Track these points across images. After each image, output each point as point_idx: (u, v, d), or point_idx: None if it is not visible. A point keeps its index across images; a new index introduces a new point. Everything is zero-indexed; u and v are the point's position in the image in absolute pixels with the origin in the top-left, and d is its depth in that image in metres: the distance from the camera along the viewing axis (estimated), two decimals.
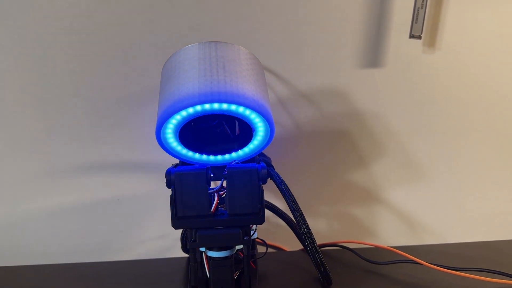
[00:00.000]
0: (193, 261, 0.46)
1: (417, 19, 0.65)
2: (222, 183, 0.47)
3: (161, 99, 0.46)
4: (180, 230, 0.69)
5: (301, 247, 0.65)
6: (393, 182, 0.71)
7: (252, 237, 0.52)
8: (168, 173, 0.45)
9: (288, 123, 0.69)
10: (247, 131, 0.48)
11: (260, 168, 0.46)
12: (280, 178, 0.48)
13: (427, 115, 0.70)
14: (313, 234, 0.49)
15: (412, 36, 0.66)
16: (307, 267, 0.59)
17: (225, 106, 0.43)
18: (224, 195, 0.47)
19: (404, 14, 0.66)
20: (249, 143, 0.49)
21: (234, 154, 0.50)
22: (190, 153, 0.49)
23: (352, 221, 0.72)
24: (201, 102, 0.42)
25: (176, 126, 0.46)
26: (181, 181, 0.45)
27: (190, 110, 0.43)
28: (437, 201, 0.72)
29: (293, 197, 0.47)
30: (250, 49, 0.65)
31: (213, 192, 0.47)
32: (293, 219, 0.49)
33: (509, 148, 0.71)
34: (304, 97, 0.68)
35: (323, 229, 0.72)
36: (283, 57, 0.67)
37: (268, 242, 0.66)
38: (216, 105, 0.43)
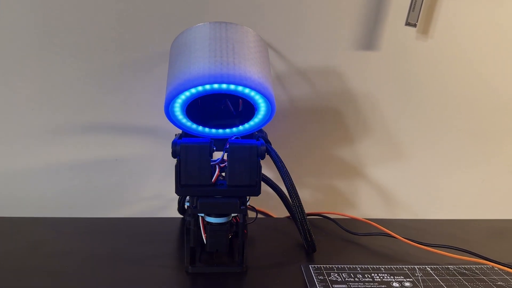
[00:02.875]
0: (193, 225, 0.51)
1: (414, 7, 0.68)
2: (223, 156, 0.51)
3: (171, 75, 0.49)
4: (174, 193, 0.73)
5: (287, 214, 0.70)
6: (375, 159, 0.76)
7: None
8: (174, 144, 0.49)
9: (282, 98, 0.72)
10: (249, 108, 0.52)
11: (260, 145, 0.49)
12: (277, 154, 0.52)
13: (413, 99, 0.74)
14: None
15: (408, 23, 0.69)
16: (292, 233, 0.64)
17: (232, 87, 0.46)
18: (224, 167, 0.50)
19: (401, 1, 0.69)
20: (250, 120, 0.52)
21: (235, 129, 0.54)
22: (194, 126, 0.53)
23: (334, 193, 0.77)
24: (211, 82, 0.45)
25: (184, 102, 0.49)
26: (186, 153, 0.48)
27: (200, 88, 0.46)
28: (413, 180, 0.77)
29: (288, 173, 0.52)
30: (251, 24, 0.68)
31: (215, 164, 0.50)
32: (285, 191, 0.54)
33: (482, 136, 0.77)
34: (300, 73, 0.71)
35: (307, 198, 0.77)
36: (283, 33, 0.69)
37: (257, 208, 0.71)
38: (224, 86, 0.46)
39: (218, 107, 0.53)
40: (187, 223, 0.63)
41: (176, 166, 0.49)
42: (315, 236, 0.61)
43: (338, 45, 0.71)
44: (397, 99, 0.74)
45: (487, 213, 0.77)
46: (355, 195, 0.77)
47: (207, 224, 0.51)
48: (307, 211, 0.69)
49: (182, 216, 0.70)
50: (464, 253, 0.56)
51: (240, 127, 0.53)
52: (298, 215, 0.53)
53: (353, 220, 0.69)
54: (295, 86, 0.72)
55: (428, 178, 0.78)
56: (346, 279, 0.50)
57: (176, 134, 0.56)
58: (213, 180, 0.50)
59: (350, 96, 0.73)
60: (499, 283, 0.50)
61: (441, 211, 0.78)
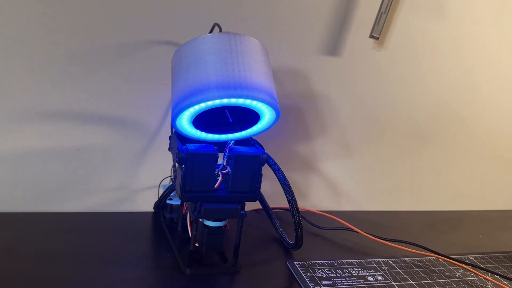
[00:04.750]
0: (195, 229, 0.52)
1: (378, 22, 0.74)
2: (224, 162, 0.53)
3: (184, 85, 0.48)
4: (137, 185, 0.73)
5: (253, 207, 0.75)
6: (328, 155, 0.83)
7: None
8: (182, 151, 0.49)
9: None
10: (250, 115, 0.53)
11: (261, 154, 0.52)
12: (274, 162, 0.55)
13: (364, 103, 0.82)
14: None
15: (372, 36, 0.75)
16: (263, 227, 0.69)
17: (248, 101, 0.48)
18: (226, 174, 0.52)
19: (366, 14, 0.75)
20: (253, 126, 0.54)
21: (231, 135, 0.55)
22: (193, 131, 0.53)
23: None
24: (228, 97, 0.46)
25: (194, 112, 0.49)
26: (194, 160, 0.49)
27: (217, 101, 0.47)
28: (358, 175, 0.86)
29: (287, 180, 0.55)
30: (229, 23, 0.69)
31: (218, 171, 0.52)
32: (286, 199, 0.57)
33: (416, 137, 0.88)
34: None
35: (267, 190, 0.81)
36: (256, 34, 0.70)
37: None
38: (236, 99, 0.48)
39: (219, 114, 0.54)
40: (166, 220, 0.64)
41: (183, 173, 0.49)
42: (285, 230, 0.66)
43: (306, 49, 0.75)
44: (352, 102, 0.81)
45: (417, 205, 0.90)
46: (308, 187, 0.84)
47: (204, 227, 0.53)
48: (268, 201, 0.74)
49: (152, 211, 0.70)
50: (415, 246, 0.65)
51: (237, 134, 0.55)
52: (297, 221, 0.57)
53: (312, 213, 0.76)
54: None
55: (370, 173, 0.87)
56: (330, 274, 0.56)
57: (170, 137, 0.56)
58: (215, 186, 0.52)
59: (312, 96, 0.78)
60: (446, 273, 0.61)
61: (380, 202, 0.88)
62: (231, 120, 0.55)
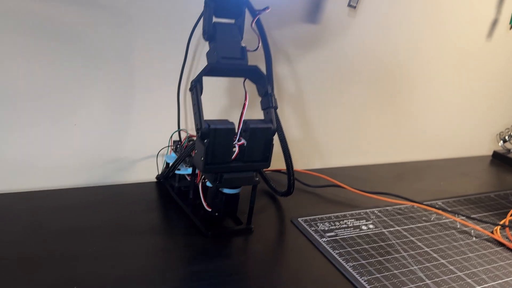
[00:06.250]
0: (215, 197, 0.57)
1: None
2: (239, 135, 0.57)
3: None
4: (135, 155, 0.75)
5: None
6: (304, 119, 0.89)
7: None
8: (204, 127, 0.53)
9: None
10: None
11: (273, 126, 0.57)
12: (282, 131, 0.61)
13: (337, 65, 0.88)
14: None
15: (350, 5, 0.80)
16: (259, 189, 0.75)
17: None
18: (241, 145, 0.57)
19: None
20: None
21: None
22: None
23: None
24: None
25: None
26: (215, 135, 0.53)
27: None
28: (330, 134, 0.93)
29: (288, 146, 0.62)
30: None
31: (235, 144, 0.56)
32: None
33: (382, 96, 0.96)
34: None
35: None
36: None
37: None
38: None
39: None
40: (174, 189, 0.68)
41: (205, 147, 0.53)
42: (279, 188, 0.72)
43: (291, 18, 0.79)
44: (328, 66, 0.87)
45: (383, 158, 1.00)
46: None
47: (222, 195, 0.58)
48: None
49: (153, 181, 0.73)
50: (393, 196, 0.75)
51: None
52: (291, 171, 0.65)
53: (300, 173, 0.83)
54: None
55: (339, 131, 0.94)
56: (330, 227, 0.64)
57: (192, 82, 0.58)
58: (233, 157, 0.56)
59: (294, 61, 0.83)
60: (423, 218, 0.71)
61: (350, 158, 0.97)
62: None
